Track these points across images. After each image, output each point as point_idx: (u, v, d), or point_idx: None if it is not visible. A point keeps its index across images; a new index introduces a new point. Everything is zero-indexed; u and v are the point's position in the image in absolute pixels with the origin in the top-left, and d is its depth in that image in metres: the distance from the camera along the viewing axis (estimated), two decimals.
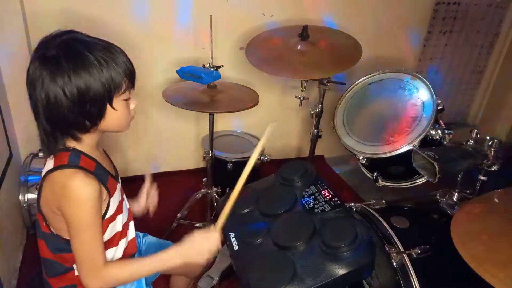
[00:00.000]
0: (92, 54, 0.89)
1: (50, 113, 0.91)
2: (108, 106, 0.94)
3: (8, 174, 1.82)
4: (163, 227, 2.06)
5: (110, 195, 1.02)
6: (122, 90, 0.95)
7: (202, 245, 1.06)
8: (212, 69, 1.82)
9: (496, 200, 1.16)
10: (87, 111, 0.92)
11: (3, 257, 1.69)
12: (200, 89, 1.86)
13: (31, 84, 0.90)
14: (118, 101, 0.95)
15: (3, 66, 1.96)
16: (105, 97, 0.92)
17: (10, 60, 1.96)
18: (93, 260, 0.97)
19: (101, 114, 0.94)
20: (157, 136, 2.57)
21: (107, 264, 1.00)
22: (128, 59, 0.97)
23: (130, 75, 0.96)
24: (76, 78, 0.88)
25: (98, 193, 0.94)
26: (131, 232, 1.16)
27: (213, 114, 1.89)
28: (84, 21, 2.03)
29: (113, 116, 0.96)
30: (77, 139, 0.97)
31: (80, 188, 0.91)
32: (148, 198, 1.29)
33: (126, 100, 0.98)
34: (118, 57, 0.93)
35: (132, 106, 1.01)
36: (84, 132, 0.96)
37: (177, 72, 1.78)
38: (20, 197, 1.89)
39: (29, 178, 1.93)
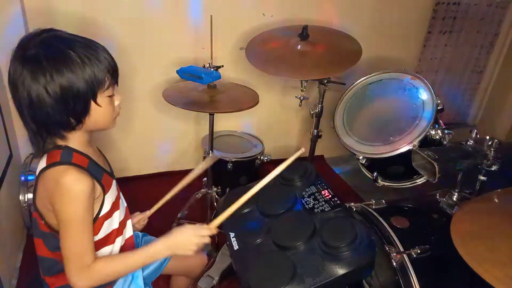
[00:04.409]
0: (74, 52, 0.89)
1: (34, 112, 0.90)
2: (93, 103, 0.94)
3: (8, 173, 1.82)
4: (163, 227, 2.05)
5: (105, 191, 1.02)
6: (106, 87, 0.95)
7: (190, 239, 1.07)
8: (212, 69, 1.82)
9: (496, 200, 1.16)
10: (71, 108, 0.91)
11: (3, 257, 1.69)
12: (200, 89, 1.86)
13: (13, 84, 0.89)
14: (102, 98, 0.95)
15: (3, 65, 1.96)
16: (89, 94, 0.92)
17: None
18: (81, 258, 0.95)
19: (85, 111, 0.94)
20: (157, 136, 2.57)
21: (94, 261, 0.98)
22: (110, 55, 0.96)
23: (113, 71, 0.96)
24: (59, 76, 0.87)
25: (91, 189, 0.94)
26: (129, 231, 1.16)
27: (213, 114, 1.89)
28: (84, 21, 2.03)
29: (98, 112, 0.96)
30: (63, 137, 0.97)
31: (72, 184, 0.91)
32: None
33: (110, 96, 0.98)
34: (100, 54, 0.93)
35: (116, 102, 1.01)
36: (70, 130, 0.96)
37: (177, 72, 1.78)
38: (20, 197, 1.88)
39: (29, 177, 1.92)
